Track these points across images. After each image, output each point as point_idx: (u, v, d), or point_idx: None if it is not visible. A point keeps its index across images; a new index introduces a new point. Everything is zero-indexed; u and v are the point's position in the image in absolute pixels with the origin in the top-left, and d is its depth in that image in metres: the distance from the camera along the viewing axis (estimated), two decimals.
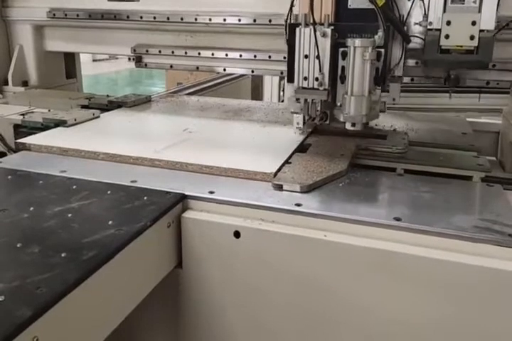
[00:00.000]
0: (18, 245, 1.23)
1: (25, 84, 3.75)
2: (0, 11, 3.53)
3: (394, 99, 2.06)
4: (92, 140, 2.12)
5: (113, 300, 1.26)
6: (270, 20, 2.63)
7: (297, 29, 1.78)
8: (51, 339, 1.02)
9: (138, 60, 3.17)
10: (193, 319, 1.61)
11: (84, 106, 2.78)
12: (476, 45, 1.85)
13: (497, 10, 1.83)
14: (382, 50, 1.78)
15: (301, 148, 2.07)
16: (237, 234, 1.49)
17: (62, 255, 1.19)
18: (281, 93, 5.58)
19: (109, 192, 1.61)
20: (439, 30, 1.88)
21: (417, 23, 1.93)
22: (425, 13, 1.90)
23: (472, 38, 1.84)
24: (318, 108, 1.84)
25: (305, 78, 1.81)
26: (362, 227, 1.43)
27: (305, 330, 1.50)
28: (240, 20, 2.73)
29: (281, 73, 2.85)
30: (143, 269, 1.42)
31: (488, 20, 1.84)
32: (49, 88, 3.62)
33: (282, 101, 5.06)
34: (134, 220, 1.40)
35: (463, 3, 1.86)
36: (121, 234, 1.31)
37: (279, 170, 1.76)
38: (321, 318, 1.46)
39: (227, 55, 2.90)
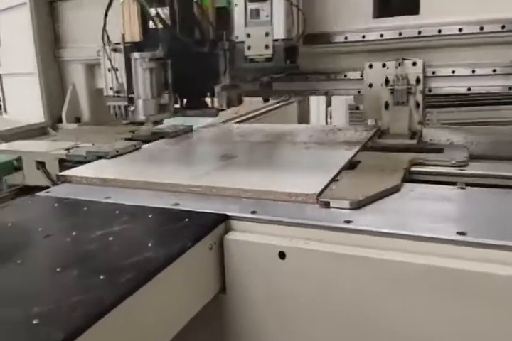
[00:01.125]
0: (58, 269, 1.21)
1: (77, 120, 3.88)
2: (54, 52, 3.71)
3: (222, 106, 2.32)
4: (132, 170, 2.12)
5: (151, 325, 1.20)
6: None
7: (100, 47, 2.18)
8: None
9: None
10: None
11: (128, 139, 2.81)
12: (272, 53, 2.11)
13: (289, 22, 2.13)
14: (168, 61, 2.09)
15: (350, 166, 1.99)
16: (282, 255, 1.41)
17: (101, 277, 1.15)
18: (329, 120, 5.53)
19: (150, 215, 1.58)
20: (243, 42, 2.15)
21: (228, 40, 2.20)
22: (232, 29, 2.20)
23: (267, 47, 2.12)
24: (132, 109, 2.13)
25: (110, 88, 2.16)
26: (421, 244, 1.30)
27: None
28: None
29: (326, 94, 2.81)
30: (184, 293, 1.36)
31: (278, 31, 2.11)
32: (101, 124, 3.72)
33: None
34: (173, 241, 1.35)
35: (258, 18, 2.13)
36: (160, 256, 1.26)
37: (325, 188, 1.67)
38: None
39: None
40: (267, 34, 2.11)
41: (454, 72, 2.49)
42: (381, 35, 2.53)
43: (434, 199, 1.61)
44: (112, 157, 2.36)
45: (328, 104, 5.74)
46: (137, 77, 2.06)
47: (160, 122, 2.42)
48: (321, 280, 1.37)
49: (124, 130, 3.16)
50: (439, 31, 2.39)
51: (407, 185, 1.74)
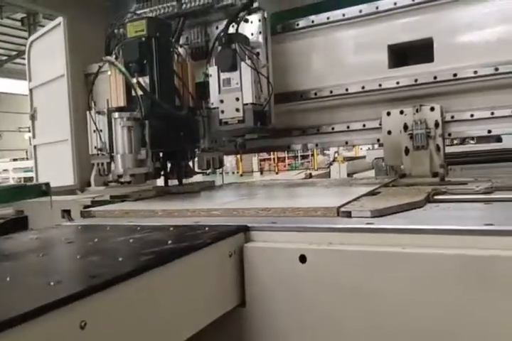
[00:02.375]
0: (78, 257, 1.20)
1: (106, 184, 3.98)
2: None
3: (202, 167, 2.67)
4: (153, 206, 2.15)
5: (164, 310, 1.15)
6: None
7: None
8: (99, 325, 0.92)
9: None
10: None
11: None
12: (242, 115, 2.38)
13: (256, 88, 2.41)
14: (146, 121, 2.25)
15: (371, 194, 1.98)
16: (302, 259, 1.37)
17: (119, 259, 1.14)
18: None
19: (171, 228, 1.58)
20: (217, 107, 2.45)
21: (206, 108, 2.55)
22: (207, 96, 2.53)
23: (238, 110, 2.39)
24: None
25: (95, 147, 2.37)
26: (449, 237, 1.25)
27: None
28: None
29: (346, 143, 2.87)
30: (200, 295, 1.31)
31: (247, 96, 2.39)
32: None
33: None
34: (193, 240, 1.34)
35: (230, 86, 2.43)
36: (180, 247, 1.25)
37: (345, 204, 1.66)
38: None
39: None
40: (237, 99, 2.39)
41: (472, 115, 2.54)
42: (397, 83, 2.64)
43: (459, 209, 1.58)
44: (136, 200, 2.42)
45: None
46: (116, 134, 2.24)
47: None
48: (345, 283, 1.32)
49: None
50: (455, 75, 2.49)
51: (431, 204, 1.72)
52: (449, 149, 2.56)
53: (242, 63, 2.41)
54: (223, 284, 1.42)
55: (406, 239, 1.30)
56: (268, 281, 1.42)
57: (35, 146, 4.60)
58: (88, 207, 2.49)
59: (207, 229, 1.50)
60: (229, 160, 26.25)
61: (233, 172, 27.25)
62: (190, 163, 2.76)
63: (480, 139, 6.85)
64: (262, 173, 24.26)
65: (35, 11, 13.52)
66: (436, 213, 1.55)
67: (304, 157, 25.84)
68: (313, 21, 2.91)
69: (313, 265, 1.36)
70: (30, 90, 3.92)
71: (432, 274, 1.21)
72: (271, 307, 1.42)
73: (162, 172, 2.64)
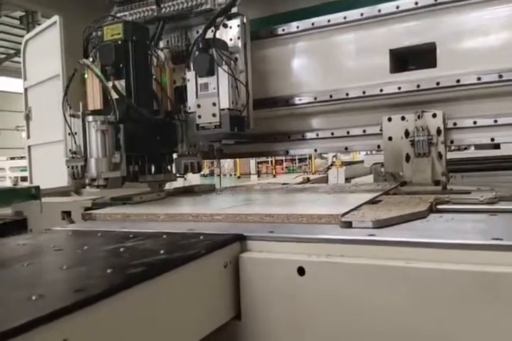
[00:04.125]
0: (64, 267, 1.14)
1: (104, 187, 3.92)
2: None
3: (179, 170, 2.63)
4: (155, 209, 2.10)
5: (154, 326, 1.09)
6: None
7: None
8: None
9: None
10: None
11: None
12: (219, 120, 2.35)
13: (233, 93, 2.38)
14: (121, 125, 2.24)
15: (372, 203, 1.92)
16: (301, 271, 1.31)
17: (108, 271, 1.07)
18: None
19: (164, 236, 1.52)
20: (194, 112, 2.42)
21: (185, 112, 2.54)
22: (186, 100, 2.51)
23: (214, 115, 2.37)
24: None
25: (70, 150, 2.30)
26: (454, 252, 1.20)
27: None
28: None
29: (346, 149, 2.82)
30: (194, 308, 1.25)
31: (224, 101, 2.36)
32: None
33: None
34: (187, 249, 1.28)
35: (207, 90, 2.40)
36: (171, 257, 1.19)
37: (347, 213, 1.61)
38: None
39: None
40: (214, 104, 2.37)
41: (475, 122, 2.49)
42: (399, 88, 2.59)
43: (464, 220, 1.53)
44: (137, 203, 2.37)
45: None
46: (90, 137, 2.23)
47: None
48: (345, 297, 1.26)
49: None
50: (458, 81, 2.44)
51: (434, 215, 1.66)
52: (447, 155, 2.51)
53: (219, 68, 2.38)
54: (217, 296, 1.36)
55: (410, 252, 1.24)
56: (265, 294, 1.36)
57: (29, 147, 4.54)
58: (89, 209, 2.46)
59: (201, 237, 1.44)
60: (227, 162, 26.23)
61: (231, 175, 27.22)
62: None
63: (478, 145, 6.82)
64: (259, 176, 24.21)
65: (33, 10, 13.47)
66: (441, 225, 1.49)
67: (301, 160, 25.81)
68: (313, 24, 2.85)
69: (312, 278, 1.30)
70: (25, 89, 3.86)
71: (436, 290, 1.15)
72: (267, 321, 1.36)
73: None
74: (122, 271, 1.07)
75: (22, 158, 18.11)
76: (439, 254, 1.21)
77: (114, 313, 0.96)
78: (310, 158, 23.89)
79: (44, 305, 0.85)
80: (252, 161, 25.73)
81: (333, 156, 11.64)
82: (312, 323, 1.30)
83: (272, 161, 26.09)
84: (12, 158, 18.98)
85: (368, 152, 7.49)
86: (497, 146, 6.31)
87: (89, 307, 0.88)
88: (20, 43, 3.96)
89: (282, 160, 26.53)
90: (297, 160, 26.06)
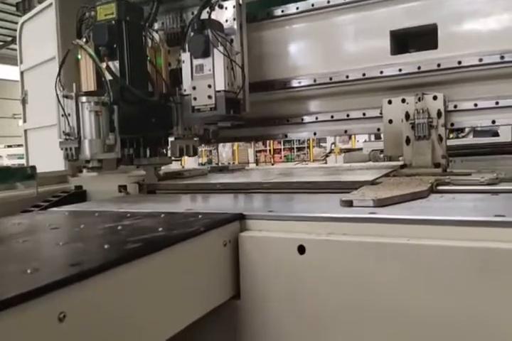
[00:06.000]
0: (60, 243, 1.12)
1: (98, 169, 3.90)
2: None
3: (174, 153, 2.60)
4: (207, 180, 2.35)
5: (152, 302, 1.07)
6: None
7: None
8: (79, 317, 0.85)
9: None
10: None
11: None
12: (214, 102, 2.31)
13: (229, 75, 2.35)
14: (115, 106, 2.21)
15: (372, 184, 1.91)
16: (301, 250, 1.30)
17: (105, 246, 1.06)
18: None
19: (162, 215, 1.50)
20: (190, 94, 2.37)
21: (180, 95, 2.48)
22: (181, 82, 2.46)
23: (210, 97, 2.32)
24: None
25: (63, 132, 2.24)
26: (456, 229, 1.18)
27: None
28: None
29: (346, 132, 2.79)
30: (192, 285, 1.23)
31: (220, 83, 2.32)
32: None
33: None
34: (186, 227, 1.26)
35: (202, 72, 2.36)
36: (170, 234, 1.17)
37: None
38: (412, 335, 1.17)
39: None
40: (209, 86, 2.33)
41: (476, 105, 2.47)
42: (400, 70, 2.55)
43: (465, 200, 1.51)
44: (187, 177, 2.64)
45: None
46: (84, 119, 2.20)
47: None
48: (346, 275, 1.24)
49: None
50: (459, 62, 2.41)
51: (435, 195, 1.65)
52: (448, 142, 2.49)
53: (215, 50, 2.34)
54: (217, 275, 1.34)
55: (411, 230, 1.23)
56: (264, 273, 1.35)
57: (25, 131, 4.49)
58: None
59: (200, 216, 1.43)
60: (225, 151, 26.18)
61: (229, 163, 27.17)
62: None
63: (477, 133, 6.79)
64: (257, 165, 24.16)
65: None
66: (442, 204, 1.47)
67: (299, 149, 25.75)
68: (313, 5, 2.81)
69: (312, 256, 1.28)
70: (22, 73, 3.81)
71: (438, 267, 1.14)
72: (267, 300, 1.35)
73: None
74: (120, 246, 1.06)
75: (19, 146, 18.06)
76: (440, 231, 1.19)
77: (112, 288, 0.94)
78: (308, 147, 23.82)
79: (39, 277, 0.83)
80: (251, 150, 25.66)
81: (332, 143, 11.62)
82: (312, 302, 1.29)
83: (270, 150, 26.02)
84: (9, 146, 18.90)
85: (367, 139, 7.47)
86: (495, 134, 6.30)
87: (86, 281, 0.86)
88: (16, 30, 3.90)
89: (280, 149, 26.44)
90: (295, 149, 25.98)
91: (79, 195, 2.37)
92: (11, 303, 0.72)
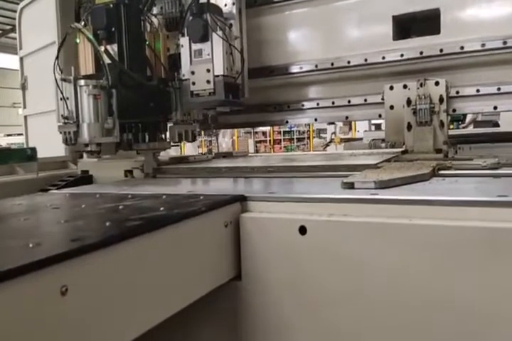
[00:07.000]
0: (62, 221, 1.12)
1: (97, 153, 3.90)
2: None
3: (173, 138, 2.55)
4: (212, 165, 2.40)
5: (153, 279, 1.07)
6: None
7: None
8: (82, 291, 0.85)
9: None
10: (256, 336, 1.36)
11: None
12: (213, 87, 2.29)
13: (228, 60, 2.32)
14: (114, 90, 2.18)
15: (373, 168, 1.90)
16: (302, 230, 1.30)
17: (107, 224, 1.06)
18: None
19: (164, 197, 1.50)
20: (188, 79, 2.34)
21: (179, 79, 2.42)
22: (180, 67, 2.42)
23: (208, 82, 2.31)
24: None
25: (62, 116, 2.20)
26: (457, 209, 1.18)
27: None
28: None
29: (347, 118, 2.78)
30: (192, 264, 1.23)
31: (218, 68, 2.29)
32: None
33: None
34: (187, 207, 1.26)
35: (201, 57, 2.34)
36: (171, 214, 1.17)
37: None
38: (414, 318, 1.18)
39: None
40: (208, 70, 2.32)
41: (478, 90, 2.45)
42: (401, 55, 2.54)
43: (467, 182, 1.51)
44: (192, 162, 2.71)
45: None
46: (82, 102, 2.18)
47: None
48: (347, 255, 1.25)
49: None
50: (462, 48, 2.39)
51: (437, 178, 1.64)
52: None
53: (214, 34, 2.32)
54: (218, 256, 1.35)
55: (413, 210, 1.22)
56: (265, 254, 1.35)
57: (25, 117, 4.48)
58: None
59: (201, 197, 1.42)
60: (225, 141, 26.14)
61: None
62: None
63: (477, 124, 6.78)
64: None
65: None
66: (444, 186, 1.47)
67: (299, 140, 25.73)
68: None
69: (313, 237, 1.28)
70: (21, 58, 3.79)
71: (441, 247, 1.14)
72: (268, 281, 1.35)
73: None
74: (121, 224, 1.05)
75: (19, 135, 18.03)
76: (443, 211, 1.19)
77: (113, 264, 0.94)
78: (308, 137, 23.80)
79: (41, 251, 0.83)
80: (251, 140, 25.64)
81: (332, 133, 11.61)
82: (313, 282, 1.29)
83: (270, 140, 26.00)
84: (9, 135, 18.87)
85: (367, 128, 7.46)
86: (496, 125, 6.29)
87: (87, 255, 0.86)
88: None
89: (280, 140, 26.43)
90: (295, 140, 25.97)
91: (85, 179, 2.39)
92: (13, 275, 0.72)
